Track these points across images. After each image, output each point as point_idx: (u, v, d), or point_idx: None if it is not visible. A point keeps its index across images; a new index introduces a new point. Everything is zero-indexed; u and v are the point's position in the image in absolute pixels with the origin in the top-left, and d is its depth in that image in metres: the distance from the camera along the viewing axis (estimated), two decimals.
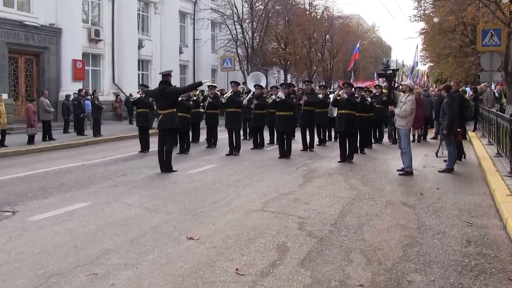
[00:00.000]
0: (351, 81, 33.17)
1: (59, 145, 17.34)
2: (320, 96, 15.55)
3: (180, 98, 14.35)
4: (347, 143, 12.69)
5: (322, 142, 16.52)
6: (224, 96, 14.27)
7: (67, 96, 21.72)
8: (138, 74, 31.34)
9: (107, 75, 29.04)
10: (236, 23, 33.12)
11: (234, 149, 14.17)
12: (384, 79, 17.82)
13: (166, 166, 11.30)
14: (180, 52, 34.84)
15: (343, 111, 12.56)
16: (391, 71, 10.98)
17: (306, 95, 14.93)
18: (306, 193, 9.01)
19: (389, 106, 11.24)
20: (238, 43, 33.31)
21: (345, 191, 9.16)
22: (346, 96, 12.41)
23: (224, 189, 9.42)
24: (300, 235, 6.47)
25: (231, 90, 14.30)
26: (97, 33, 27.68)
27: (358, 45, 35.16)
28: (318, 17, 41.28)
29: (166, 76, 11.49)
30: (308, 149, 15.01)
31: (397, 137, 11.32)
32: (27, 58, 24.61)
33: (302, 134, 15.27)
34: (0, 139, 16.18)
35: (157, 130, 11.57)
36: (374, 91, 17.38)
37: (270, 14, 34.44)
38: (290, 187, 9.55)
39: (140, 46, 30.86)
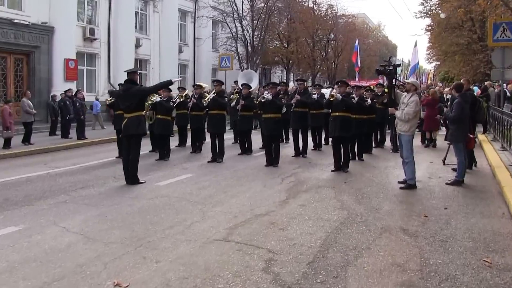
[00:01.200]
0: (356, 80, 31.26)
1: (36, 149, 15.66)
2: (315, 96, 13.71)
3: (159, 99, 12.69)
4: (342, 149, 10.86)
5: (317, 146, 14.69)
6: (207, 98, 12.46)
7: (53, 97, 20.08)
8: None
9: (102, 74, 27.34)
10: (236, 20, 31.26)
11: (217, 155, 12.39)
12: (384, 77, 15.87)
13: (131, 178, 9.57)
14: (180, 51, 33.08)
15: (337, 114, 10.73)
16: (391, 68, 9.03)
17: (299, 95, 13.10)
18: (286, 214, 7.22)
19: (389, 108, 9.35)
20: (238, 42, 31.42)
21: (334, 211, 7.35)
22: (340, 97, 10.58)
23: (189, 207, 7.67)
24: (262, 281, 4.70)
25: (213, 91, 12.51)
26: (92, 31, 26.00)
27: (357, 43, 32.98)
28: (322, 15, 39.31)
29: (132, 74, 9.75)
30: (301, 155, 13.19)
31: (398, 144, 9.42)
32: (17, 57, 23.00)
33: (294, 138, 13.47)
34: None
35: (122, 136, 9.83)
36: (376, 90, 15.59)
37: (271, 12, 32.54)
38: (269, 205, 7.76)
39: (137, 45, 29.14)
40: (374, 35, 55.03)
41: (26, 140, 16.52)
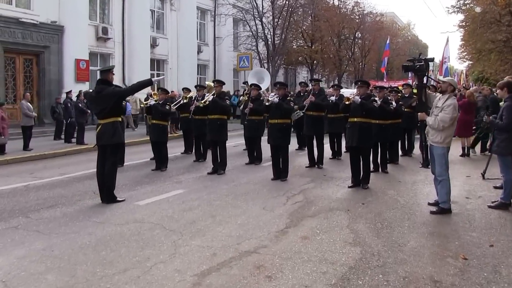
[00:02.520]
0: (384, 81, 29.16)
1: (32, 155, 14.25)
2: (333, 98, 11.87)
3: (153, 102, 11.09)
4: (361, 161, 9.05)
5: (336, 155, 12.86)
6: (204, 100, 10.74)
7: (56, 99, 18.72)
8: (153, 75, 28.22)
9: (117, 76, 25.75)
10: (256, 18, 29.48)
11: (219, 166, 10.70)
12: (412, 74, 13.81)
13: (107, 195, 7.96)
14: (200, 51, 31.55)
15: (355, 119, 8.92)
16: (422, 63, 7.17)
17: (314, 96, 11.32)
18: (281, 252, 5.49)
19: (419, 113, 7.46)
20: (258, 40, 29.63)
21: (344, 248, 5.59)
22: (359, 99, 8.77)
23: (161, 239, 6.00)
24: None
25: (213, 92, 10.81)
26: (105, 31, 24.67)
27: (388, 41, 30.67)
28: (348, 12, 37.19)
29: (105, 73, 8.15)
30: (316, 166, 11.39)
31: (429, 157, 7.52)
32: (26, 58, 21.80)
33: (308, 147, 11.68)
34: None
35: (95, 146, 8.23)
36: (403, 92, 13.67)
37: (293, 9, 30.66)
38: (262, 237, 6.05)
39: (154, 44, 27.72)
40: (404, 34, 52.56)
41: (25, 145, 15.17)
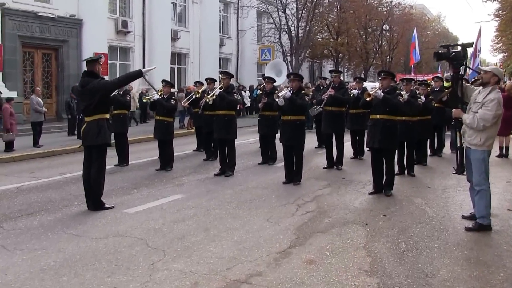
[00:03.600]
0: (412, 74, 27.47)
1: (40, 152, 13.38)
2: (355, 91, 10.59)
3: (157, 97, 10.02)
4: (384, 165, 7.79)
5: (358, 154, 11.58)
6: (211, 94, 9.57)
7: (71, 94, 17.85)
8: (173, 68, 27.29)
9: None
10: (279, 9, 28.09)
11: (227, 166, 9.58)
12: (446, 66, 12.32)
13: (93, 201, 6.93)
14: (222, 44, 30.39)
15: (378, 117, 7.65)
16: (458, 49, 5.85)
17: (334, 89, 10.08)
18: (278, 281, 4.36)
19: (454, 110, 6.14)
20: (282, 33, 28.24)
21: (357, 278, 4.42)
22: (382, 94, 7.50)
23: (139, 260, 4.93)
24: None
25: (219, 86, 9.67)
26: (124, 24, 23.74)
27: (415, 32, 28.75)
28: (375, 4, 35.39)
29: (91, 64, 7.11)
30: (335, 167, 10.16)
31: (465, 162, 6.14)
32: (45, 52, 21.01)
33: (327, 145, 10.45)
34: None
35: (81, 146, 7.20)
36: (433, 85, 12.28)
37: (318, 0, 29.13)
38: (260, 258, 4.92)
39: (175, 38, 26.68)
40: (433, 27, 50.29)
41: (35, 142, 14.34)
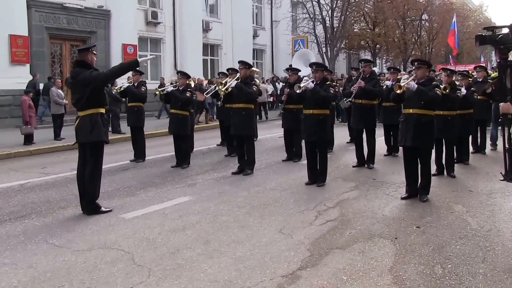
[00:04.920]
0: (450, 65, 25.75)
1: (59, 146, 12.81)
2: (388, 83, 9.50)
3: (171, 89, 9.22)
4: (419, 166, 6.73)
5: (392, 151, 10.47)
6: (226, 86, 8.62)
7: None
8: (206, 60, 26.52)
9: (168, 61, 24.37)
10: None
11: (245, 164, 8.68)
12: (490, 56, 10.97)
13: (88, 205, 6.15)
14: (256, 35, 29.43)
15: (411, 111, 6.59)
16: (506, 31, 4.73)
17: (363, 80, 9.01)
18: None
19: (502, 104, 4.99)
20: (316, 23, 27.00)
21: None
22: (415, 86, 6.42)
23: (118, 280, 4.11)
24: None
25: (236, 76, 8.75)
26: (154, 15, 23.07)
27: (454, 19, 26.95)
28: None
29: (83, 53, 6.29)
30: (365, 165, 9.13)
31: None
32: (73, 44, 20.52)
33: (356, 142, 9.42)
34: None
35: (76, 143, 6.43)
36: (475, 75, 11.03)
37: None
38: (261, 284, 4.03)
39: (207, 29, 25.91)
40: (475, 17, 47.80)
41: (56, 135, 13.81)
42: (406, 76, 7.11)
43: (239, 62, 8.81)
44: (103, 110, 6.26)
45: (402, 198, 6.72)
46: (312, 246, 4.90)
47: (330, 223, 5.66)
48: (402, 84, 6.46)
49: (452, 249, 4.78)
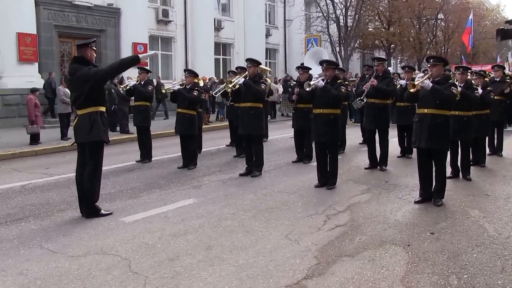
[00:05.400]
0: (463, 63, 25.24)
1: (64, 146, 12.57)
2: (402, 82, 9.23)
3: (178, 87, 9.03)
4: (434, 168, 6.46)
5: (405, 152, 10.18)
6: (233, 83, 8.40)
7: (106, 85, 17.15)
8: (218, 59, 26.33)
9: (179, 60, 24.21)
10: None
11: (254, 166, 8.45)
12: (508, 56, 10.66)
13: (86, 207, 5.97)
14: (268, 34, 29.18)
15: (426, 111, 6.31)
16: None
17: (376, 79, 8.74)
18: None
19: None
20: (330, 22, 26.66)
21: None
22: (430, 84, 6.14)
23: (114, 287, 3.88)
24: None
25: (244, 74, 8.52)
26: (165, 13, 22.93)
27: (471, 17, 26.44)
28: None
29: (82, 49, 6.10)
30: (378, 167, 8.86)
31: None
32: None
33: (369, 143, 9.16)
34: None
35: (75, 143, 6.26)
36: (492, 75, 10.71)
37: None
38: None
39: (219, 27, 25.73)
40: (492, 17, 46.96)
41: (63, 134, 13.69)
42: (421, 74, 6.79)
43: (247, 60, 8.59)
44: (103, 109, 6.07)
45: (416, 202, 6.45)
46: (319, 253, 4.66)
47: (339, 229, 5.42)
48: (416, 83, 6.19)
49: (468, 258, 4.51)
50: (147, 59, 5.79)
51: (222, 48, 27.14)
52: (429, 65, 6.48)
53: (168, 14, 23.13)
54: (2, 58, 17.09)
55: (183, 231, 5.37)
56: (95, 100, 5.92)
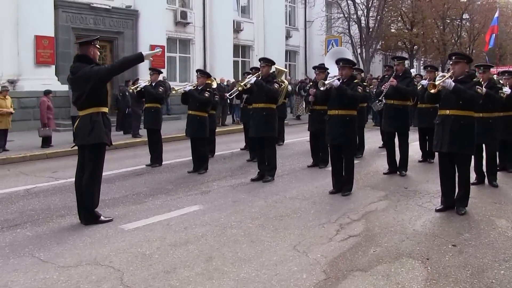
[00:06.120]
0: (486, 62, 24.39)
1: (76, 149, 12.35)
2: (424, 82, 8.71)
3: (189, 88, 8.73)
4: (457, 173, 6.00)
5: (427, 157, 9.70)
6: (244, 82, 8.05)
7: (120, 87, 17.06)
8: (237, 62, 26.04)
9: (198, 62, 23.93)
10: None
11: (266, 170, 8.08)
12: None
13: (85, 214, 5.68)
14: (289, 36, 28.75)
15: (448, 112, 5.87)
16: None
17: (396, 79, 8.29)
18: None
19: None
20: (351, 23, 26.15)
21: None
22: (452, 83, 5.70)
23: None
24: None
25: (256, 74, 8.15)
26: (184, 15, 22.72)
27: (497, 15, 25.65)
28: None
29: (84, 47, 5.83)
30: (397, 172, 8.41)
31: None
32: (99, 45, 20.11)
33: (387, 146, 8.72)
34: None
35: (75, 146, 5.99)
36: None
37: None
38: None
39: (238, 29, 25.43)
40: None
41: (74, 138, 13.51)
42: (442, 74, 6.35)
43: (261, 59, 8.23)
44: (105, 110, 5.78)
45: (437, 211, 6.00)
46: (328, 266, 4.27)
47: (352, 239, 5.01)
48: (437, 83, 5.75)
49: (494, 275, 4.07)
50: (151, 57, 5.50)
51: (241, 50, 26.83)
52: (451, 63, 6.03)
53: (187, 16, 22.93)
54: (19, 60, 17.16)
55: (184, 241, 5.03)
56: (97, 101, 5.64)
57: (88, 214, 5.64)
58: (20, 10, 16.85)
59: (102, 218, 5.73)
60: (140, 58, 5.76)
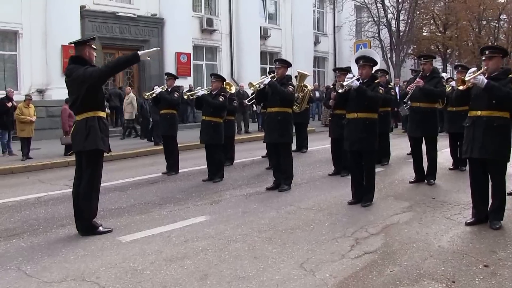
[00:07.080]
0: None
1: None
2: (453, 83, 8.07)
3: (202, 93, 8.31)
4: (490, 182, 5.35)
5: (458, 164, 8.99)
6: (256, 83, 7.53)
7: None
8: (264, 69, 25.59)
9: (224, 69, 23.60)
10: (377, 1, 25.21)
11: (282, 178, 7.55)
12: None
13: (82, 224, 5.28)
14: (317, 42, 28.21)
15: (479, 113, 5.23)
16: None
17: (422, 79, 7.64)
18: None
19: None
20: (381, 27, 25.41)
21: None
22: (485, 81, 5.07)
23: None
24: None
25: (270, 75, 7.62)
26: (210, 22, 22.48)
27: None
28: None
29: (79, 48, 5.42)
30: (425, 181, 7.75)
31: None
32: (125, 53, 20.24)
33: (414, 153, 8.07)
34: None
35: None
36: None
37: None
38: None
39: (265, 36, 25.05)
40: None
41: None
42: (474, 69, 5.72)
43: (276, 60, 7.76)
44: (102, 114, 5.39)
45: (467, 224, 5.35)
46: None
47: (367, 256, 4.45)
48: (467, 79, 5.13)
49: None
50: (148, 57, 5.13)
51: (269, 57, 26.39)
52: (484, 58, 5.38)
53: (213, 23, 22.69)
54: (48, 70, 17.26)
55: (182, 255, 4.56)
56: (93, 104, 5.25)
57: (86, 225, 5.25)
58: (48, 21, 17.09)
59: (100, 228, 5.33)
60: (135, 57, 5.37)
